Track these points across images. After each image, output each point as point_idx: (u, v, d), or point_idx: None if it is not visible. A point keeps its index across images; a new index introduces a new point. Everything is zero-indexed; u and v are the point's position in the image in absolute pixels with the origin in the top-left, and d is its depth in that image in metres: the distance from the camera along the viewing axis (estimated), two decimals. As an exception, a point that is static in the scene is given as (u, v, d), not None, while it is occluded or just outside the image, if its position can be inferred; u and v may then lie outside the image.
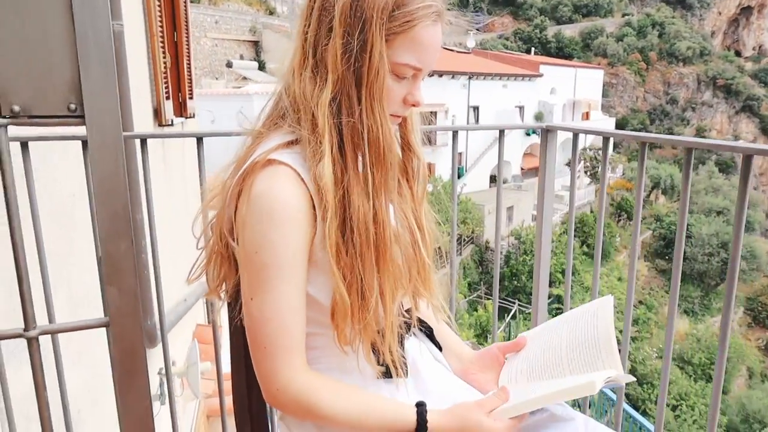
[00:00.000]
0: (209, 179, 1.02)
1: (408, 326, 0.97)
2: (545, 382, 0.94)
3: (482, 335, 14.64)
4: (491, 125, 1.96)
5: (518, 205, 22.56)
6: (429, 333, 1.04)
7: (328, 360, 0.89)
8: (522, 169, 27.05)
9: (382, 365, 0.87)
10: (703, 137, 38.43)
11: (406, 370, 0.91)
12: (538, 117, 29.09)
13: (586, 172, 28.13)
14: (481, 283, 18.74)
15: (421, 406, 0.86)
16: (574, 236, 21.17)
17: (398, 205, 0.91)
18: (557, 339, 1.00)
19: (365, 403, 0.85)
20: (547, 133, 1.77)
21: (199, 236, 0.95)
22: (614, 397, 6.08)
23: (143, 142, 1.50)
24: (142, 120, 2.58)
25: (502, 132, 1.78)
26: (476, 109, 25.88)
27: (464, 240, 19.55)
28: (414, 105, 0.87)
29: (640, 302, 21.43)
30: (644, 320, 20.30)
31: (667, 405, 15.48)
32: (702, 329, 20.12)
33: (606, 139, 1.49)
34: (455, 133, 1.74)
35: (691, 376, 17.46)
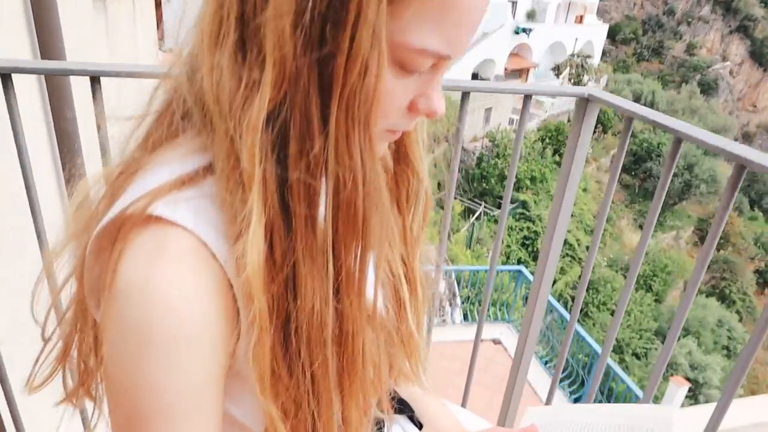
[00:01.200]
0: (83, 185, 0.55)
1: (379, 429, 0.67)
2: None
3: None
4: (514, 89, 1.38)
5: (497, 107, 22.15)
6: (409, 414, 0.77)
7: None
8: (506, 69, 26.22)
9: None
10: (693, 55, 37.66)
11: None
12: (531, 15, 27.69)
13: (570, 80, 27.55)
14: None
15: None
16: (548, 144, 21.13)
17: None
18: None
19: None
20: (586, 104, 1.30)
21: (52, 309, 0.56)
22: (567, 316, 6.33)
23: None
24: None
25: (528, 97, 1.30)
26: (467, -2, 24.34)
27: (438, 139, 19.25)
28: (429, 115, 0.49)
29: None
30: (600, 231, 21.12)
31: (607, 309, 16.63)
32: (652, 244, 21.13)
33: (629, 119, 1.19)
34: (465, 95, 1.26)
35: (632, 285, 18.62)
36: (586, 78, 27.11)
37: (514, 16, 26.25)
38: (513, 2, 26.44)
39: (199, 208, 0.44)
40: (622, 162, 1.24)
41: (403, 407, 0.75)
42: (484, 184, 18.52)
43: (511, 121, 23.14)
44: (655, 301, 17.85)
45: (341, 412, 0.51)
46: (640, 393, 5.53)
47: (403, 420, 0.74)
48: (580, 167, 1.35)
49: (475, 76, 24.85)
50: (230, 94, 0.42)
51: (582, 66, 27.48)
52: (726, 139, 1.01)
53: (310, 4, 0.39)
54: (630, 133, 1.21)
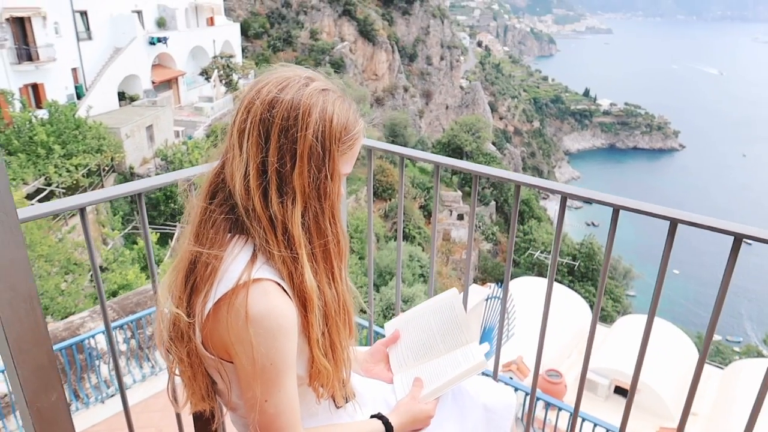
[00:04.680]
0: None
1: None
2: (435, 361, 1.33)
3: (146, 268, 13.61)
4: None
5: (157, 123, 20.92)
6: None
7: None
8: (153, 82, 24.86)
9: (343, 398, 1.14)
10: (317, 40, 42.36)
11: (354, 393, 1.19)
12: (161, 23, 26.69)
13: (221, 81, 27.86)
14: (134, 212, 17.16)
15: (381, 417, 1.17)
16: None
17: None
18: (428, 327, 1.39)
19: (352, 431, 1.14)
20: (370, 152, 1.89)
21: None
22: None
23: None
24: None
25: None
26: (84, 14, 21.89)
27: (104, 170, 17.21)
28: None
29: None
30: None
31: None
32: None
33: (437, 166, 1.74)
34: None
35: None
36: (235, 77, 27.81)
37: (143, 27, 24.86)
38: (138, 12, 24.93)
39: (268, 270, 0.94)
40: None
41: None
42: (173, 205, 17.50)
43: (177, 134, 22.22)
44: (360, 258, 20.18)
45: (346, 351, 1.07)
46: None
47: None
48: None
49: (122, 96, 22.82)
50: (281, 212, 0.94)
51: (228, 66, 28.05)
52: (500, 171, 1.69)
53: (319, 169, 0.96)
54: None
